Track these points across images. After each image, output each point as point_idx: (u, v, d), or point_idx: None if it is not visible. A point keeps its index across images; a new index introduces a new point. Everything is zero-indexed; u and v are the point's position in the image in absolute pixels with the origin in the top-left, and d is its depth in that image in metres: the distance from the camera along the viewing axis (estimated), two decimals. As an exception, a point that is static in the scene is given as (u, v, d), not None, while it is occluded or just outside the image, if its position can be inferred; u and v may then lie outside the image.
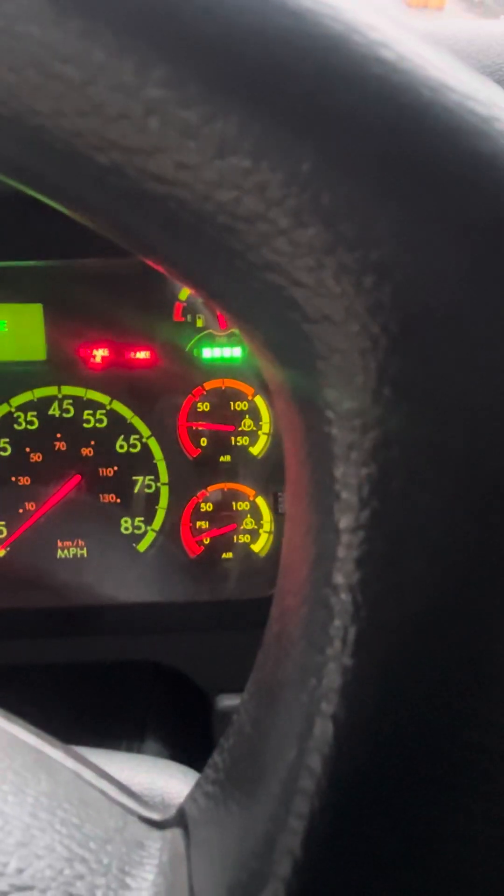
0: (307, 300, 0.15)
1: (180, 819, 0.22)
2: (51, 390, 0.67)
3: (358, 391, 0.15)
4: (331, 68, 0.14)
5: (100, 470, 0.69)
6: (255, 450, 0.70)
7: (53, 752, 0.24)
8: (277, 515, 0.70)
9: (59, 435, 0.68)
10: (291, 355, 0.16)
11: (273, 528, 0.70)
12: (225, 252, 0.15)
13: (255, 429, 0.69)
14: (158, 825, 0.23)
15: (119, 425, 0.68)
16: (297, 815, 0.16)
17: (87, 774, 0.24)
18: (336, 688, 0.15)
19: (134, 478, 0.69)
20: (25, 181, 0.16)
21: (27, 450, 0.68)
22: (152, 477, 0.69)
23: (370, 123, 0.14)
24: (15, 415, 0.68)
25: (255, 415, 0.69)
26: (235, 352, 0.68)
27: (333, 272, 0.14)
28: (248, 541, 0.71)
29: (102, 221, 0.16)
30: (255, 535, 0.71)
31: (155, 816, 0.23)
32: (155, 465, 0.69)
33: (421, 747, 0.16)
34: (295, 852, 0.16)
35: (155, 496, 0.70)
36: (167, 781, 0.42)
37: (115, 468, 0.69)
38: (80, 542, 0.70)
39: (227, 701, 0.68)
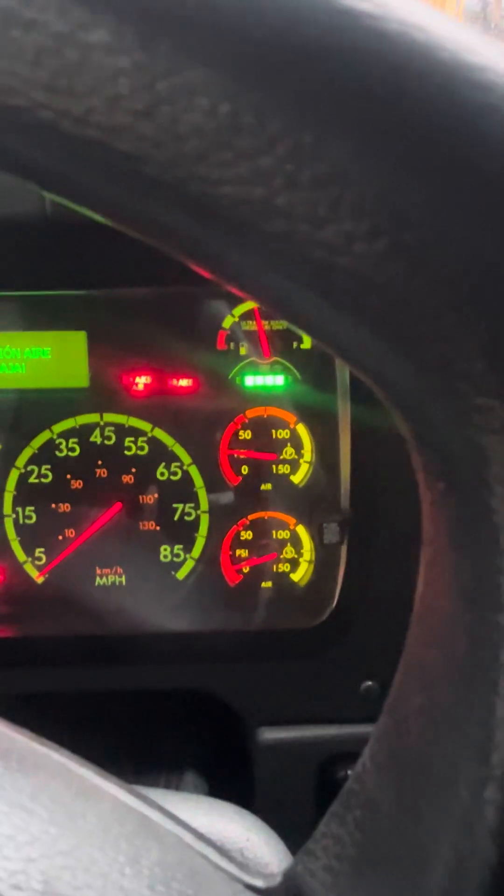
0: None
1: (290, 889, 0.22)
2: (93, 417, 0.67)
3: None
4: None
5: (140, 497, 0.68)
6: (297, 478, 0.69)
7: (155, 814, 0.23)
8: (321, 546, 0.69)
9: (100, 462, 0.68)
10: (459, 450, 0.15)
11: (313, 558, 0.70)
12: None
13: (296, 457, 0.69)
14: (265, 894, 0.22)
15: (160, 453, 0.68)
16: None
17: (188, 838, 0.23)
18: None
19: (174, 505, 0.69)
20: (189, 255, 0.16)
21: (68, 476, 0.68)
22: (192, 505, 0.69)
23: None
24: (57, 441, 0.67)
25: (296, 443, 0.69)
26: (278, 380, 0.68)
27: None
28: (287, 570, 0.70)
29: (264, 297, 0.16)
30: (294, 564, 0.70)
31: (258, 884, 0.23)
32: (195, 492, 0.69)
33: None
34: None
35: (195, 524, 0.69)
36: (226, 826, 0.41)
37: (156, 496, 0.69)
38: (119, 570, 0.70)
39: (269, 734, 0.68)
